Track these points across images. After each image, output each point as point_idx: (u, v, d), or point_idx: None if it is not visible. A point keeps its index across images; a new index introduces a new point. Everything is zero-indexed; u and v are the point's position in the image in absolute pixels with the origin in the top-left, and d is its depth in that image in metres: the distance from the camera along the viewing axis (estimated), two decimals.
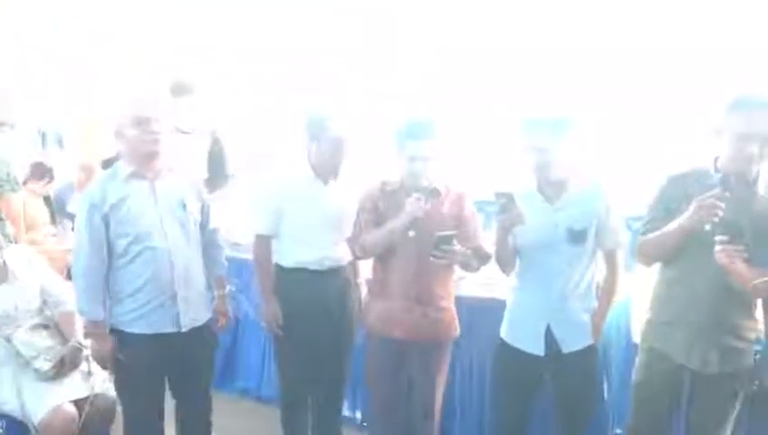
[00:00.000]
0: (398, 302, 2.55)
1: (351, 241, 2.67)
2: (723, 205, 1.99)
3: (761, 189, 2.15)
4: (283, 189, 2.77)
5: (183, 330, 2.44)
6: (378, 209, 2.58)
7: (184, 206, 2.47)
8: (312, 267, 2.74)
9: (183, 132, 3.76)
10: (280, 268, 2.82)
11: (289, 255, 2.78)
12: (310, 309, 2.72)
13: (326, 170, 2.74)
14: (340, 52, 4.68)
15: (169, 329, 2.42)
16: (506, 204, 2.27)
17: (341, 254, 2.78)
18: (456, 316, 2.64)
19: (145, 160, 2.38)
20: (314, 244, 2.73)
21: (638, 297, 2.68)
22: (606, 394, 2.87)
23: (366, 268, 2.88)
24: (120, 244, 2.35)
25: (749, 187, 2.14)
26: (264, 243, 2.81)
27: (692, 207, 2.05)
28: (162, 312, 2.41)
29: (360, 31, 4.61)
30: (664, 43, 3.80)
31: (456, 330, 2.64)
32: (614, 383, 2.86)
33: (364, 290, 2.93)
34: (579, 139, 2.36)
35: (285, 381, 2.88)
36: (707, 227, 2.03)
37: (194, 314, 2.49)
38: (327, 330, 2.76)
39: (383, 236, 2.51)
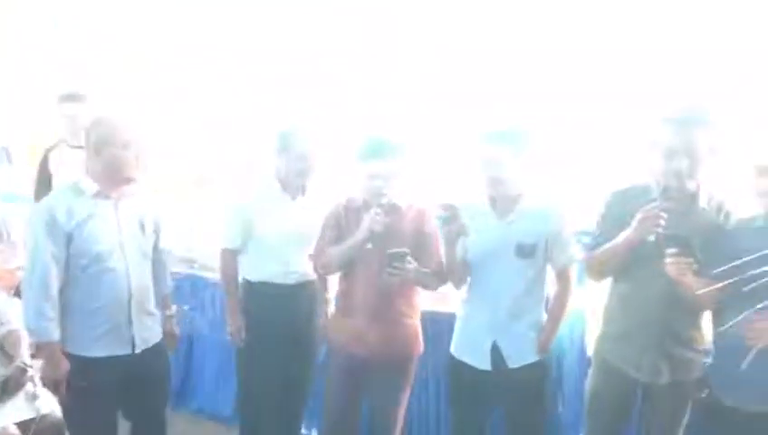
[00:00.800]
0: (361, 318, 2.54)
1: (313, 257, 2.66)
2: (665, 215, 2.05)
3: (702, 202, 2.22)
4: (250, 204, 2.78)
5: (137, 351, 2.41)
6: (340, 226, 2.58)
7: (143, 227, 2.46)
8: (278, 281, 2.77)
9: (73, 147, 3.39)
10: (247, 282, 2.84)
11: (256, 269, 2.80)
12: (276, 323, 2.73)
13: (293, 186, 2.78)
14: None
15: (124, 351, 2.38)
16: (450, 215, 2.29)
17: (310, 268, 2.78)
18: (420, 333, 2.63)
19: (119, 183, 2.35)
20: (282, 258, 2.76)
21: (592, 310, 2.72)
22: (560, 407, 2.89)
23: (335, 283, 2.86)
24: (80, 263, 2.30)
25: (692, 200, 2.20)
26: (230, 257, 2.83)
27: (636, 219, 2.10)
28: (117, 334, 2.37)
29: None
30: (611, 58, 3.90)
31: (420, 347, 2.63)
32: (568, 396, 2.89)
33: (332, 305, 2.92)
34: (533, 153, 2.40)
35: (246, 397, 2.84)
36: (651, 238, 2.09)
37: (147, 334, 2.47)
38: (292, 345, 2.76)
39: (342, 251, 2.51)
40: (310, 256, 2.71)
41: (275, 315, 2.74)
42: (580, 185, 3.32)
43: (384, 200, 2.47)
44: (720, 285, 1.90)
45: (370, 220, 2.41)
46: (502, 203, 2.42)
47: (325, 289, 2.91)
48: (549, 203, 2.45)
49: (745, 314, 1.80)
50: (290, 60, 4.72)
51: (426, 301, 2.80)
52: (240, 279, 2.86)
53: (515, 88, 4.08)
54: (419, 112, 4.21)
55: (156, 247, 2.57)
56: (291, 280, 2.78)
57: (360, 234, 2.44)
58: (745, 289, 1.63)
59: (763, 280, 1.47)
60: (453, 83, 4.29)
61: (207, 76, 4.79)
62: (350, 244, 2.49)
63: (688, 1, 3.68)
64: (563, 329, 2.72)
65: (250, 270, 2.83)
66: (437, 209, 2.32)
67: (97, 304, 2.33)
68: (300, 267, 2.78)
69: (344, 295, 2.63)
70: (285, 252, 2.76)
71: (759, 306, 1.60)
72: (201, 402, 3.69)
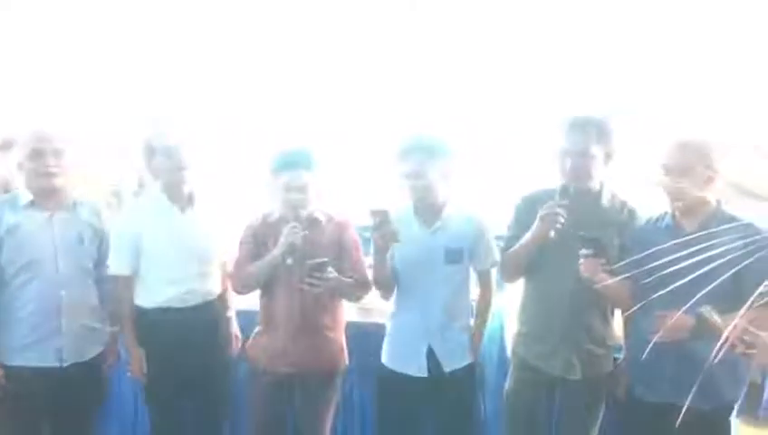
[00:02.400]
0: (284, 334, 2.49)
1: (232, 275, 2.59)
2: (563, 212, 2.14)
3: (605, 200, 2.31)
4: (136, 223, 2.55)
5: (64, 364, 2.39)
6: (258, 242, 2.53)
7: (81, 241, 2.45)
8: (175, 305, 2.53)
9: None
10: (141, 310, 2.57)
11: (149, 294, 2.55)
12: (177, 350, 2.51)
13: (178, 196, 2.56)
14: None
15: (51, 363, 2.37)
16: (381, 221, 2.30)
17: (208, 287, 2.62)
18: (344, 347, 2.61)
19: (41, 194, 2.38)
20: (176, 279, 2.53)
21: (511, 312, 2.78)
22: (483, 408, 2.93)
23: (238, 301, 2.79)
24: (9, 271, 2.33)
25: (594, 198, 2.29)
26: (122, 284, 2.55)
27: (537, 218, 2.20)
28: (44, 345, 2.37)
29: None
30: (525, 69, 4.02)
31: (345, 361, 2.62)
32: (489, 396, 2.92)
33: (235, 324, 2.82)
34: (454, 162, 2.46)
35: (158, 427, 2.67)
36: (552, 234, 2.18)
37: (78, 348, 2.44)
38: (198, 370, 2.58)
39: (261, 267, 2.46)
40: (228, 274, 2.62)
41: (177, 344, 2.50)
42: (499, 190, 3.41)
43: (303, 213, 2.45)
44: (622, 277, 1.98)
45: (288, 234, 2.38)
46: (427, 212, 2.46)
47: (227, 307, 2.76)
48: (471, 209, 2.52)
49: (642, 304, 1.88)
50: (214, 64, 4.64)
51: (350, 312, 2.79)
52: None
53: (434, 98, 4.15)
54: (340, 123, 4.21)
55: (101, 262, 2.53)
56: (189, 303, 2.55)
57: (279, 249, 2.41)
58: (651, 285, 1.70)
59: (667, 275, 1.54)
60: (372, 93, 4.32)
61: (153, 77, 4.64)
62: (268, 259, 2.44)
63: (591, 8, 3.85)
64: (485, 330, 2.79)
65: (143, 296, 2.56)
66: (368, 215, 2.33)
67: (24, 313, 2.34)
68: (198, 287, 2.58)
69: (266, 312, 2.57)
70: (179, 271, 2.52)
71: (656, 295, 1.68)
72: (120, 428, 3.53)
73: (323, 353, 2.54)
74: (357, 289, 2.54)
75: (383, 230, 2.30)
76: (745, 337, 1.66)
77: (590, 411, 2.39)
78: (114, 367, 2.67)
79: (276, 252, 2.42)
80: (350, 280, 2.47)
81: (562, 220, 2.16)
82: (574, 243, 2.15)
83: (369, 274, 2.54)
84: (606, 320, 2.40)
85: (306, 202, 2.46)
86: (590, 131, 2.23)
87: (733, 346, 1.66)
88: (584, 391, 2.36)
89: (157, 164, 2.54)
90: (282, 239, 2.40)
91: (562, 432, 2.45)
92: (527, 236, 2.27)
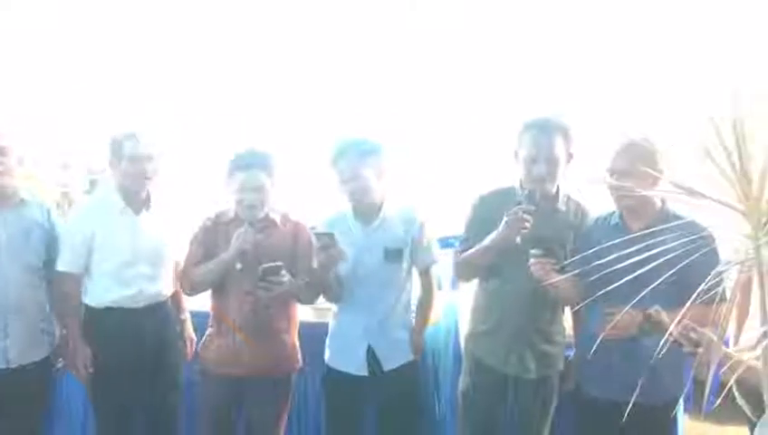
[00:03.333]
0: (236, 337, 2.47)
1: (181, 275, 2.55)
2: (530, 218, 2.15)
3: (560, 203, 2.34)
4: (89, 221, 2.52)
5: (11, 365, 2.38)
6: (208, 241, 2.49)
7: (28, 239, 2.43)
8: (125, 306, 2.52)
9: None
10: (90, 309, 2.54)
11: (99, 294, 2.52)
12: (126, 351, 2.49)
13: (134, 198, 2.54)
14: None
15: None
16: (327, 244, 2.30)
17: (159, 288, 2.59)
18: (297, 348, 2.59)
19: None
20: (126, 280, 2.51)
21: (464, 310, 2.80)
22: (437, 408, 2.94)
23: (190, 302, 2.77)
24: None
25: (551, 202, 2.32)
26: (69, 281, 2.51)
27: (503, 222, 2.19)
28: None
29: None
30: (475, 70, 4.06)
31: (298, 362, 2.60)
32: (445, 394, 2.94)
33: (189, 327, 2.80)
34: (391, 162, 2.48)
35: (105, 431, 2.61)
36: (518, 240, 2.17)
37: (24, 349, 2.42)
38: (147, 372, 2.55)
39: (210, 269, 2.44)
40: (177, 274, 2.58)
41: (125, 342, 2.49)
42: (447, 191, 3.43)
43: (259, 214, 2.43)
44: (571, 274, 2.01)
45: (238, 239, 2.36)
46: (365, 212, 2.48)
47: (179, 309, 2.75)
48: (409, 209, 2.54)
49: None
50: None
51: (304, 312, 2.78)
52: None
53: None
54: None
55: (52, 262, 2.49)
56: (139, 303, 2.54)
57: (229, 253, 2.39)
58: (599, 282, 1.73)
59: (615, 273, 1.56)
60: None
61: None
62: (217, 262, 2.42)
63: (549, 12, 3.91)
64: (439, 328, 2.80)
65: (92, 295, 2.54)
66: (313, 239, 2.34)
67: None
68: (149, 288, 2.56)
69: (217, 313, 2.54)
70: (131, 273, 2.51)
71: (602, 293, 1.71)
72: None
73: (277, 356, 2.52)
74: (310, 292, 2.52)
75: (329, 251, 2.31)
76: (692, 335, 1.70)
77: (542, 409, 2.42)
78: (64, 371, 2.62)
79: (226, 257, 2.40)
80: (303, 283, 2.45)
81: (528, 226, 2.16)
82: (529, 244, 2.17)
83: None
84: (559, 319, 2.43)
85: (262, 203, 2.44)
86: (556, 135, 2.24)
87: (680, 345, 1.70)
88: (537, 390, 2.39)
89: (121, 168, 2.50)
90: (232, 244, 2.38)
91: (516, 430, 2.47)
92: (490, 238, 2.25)
